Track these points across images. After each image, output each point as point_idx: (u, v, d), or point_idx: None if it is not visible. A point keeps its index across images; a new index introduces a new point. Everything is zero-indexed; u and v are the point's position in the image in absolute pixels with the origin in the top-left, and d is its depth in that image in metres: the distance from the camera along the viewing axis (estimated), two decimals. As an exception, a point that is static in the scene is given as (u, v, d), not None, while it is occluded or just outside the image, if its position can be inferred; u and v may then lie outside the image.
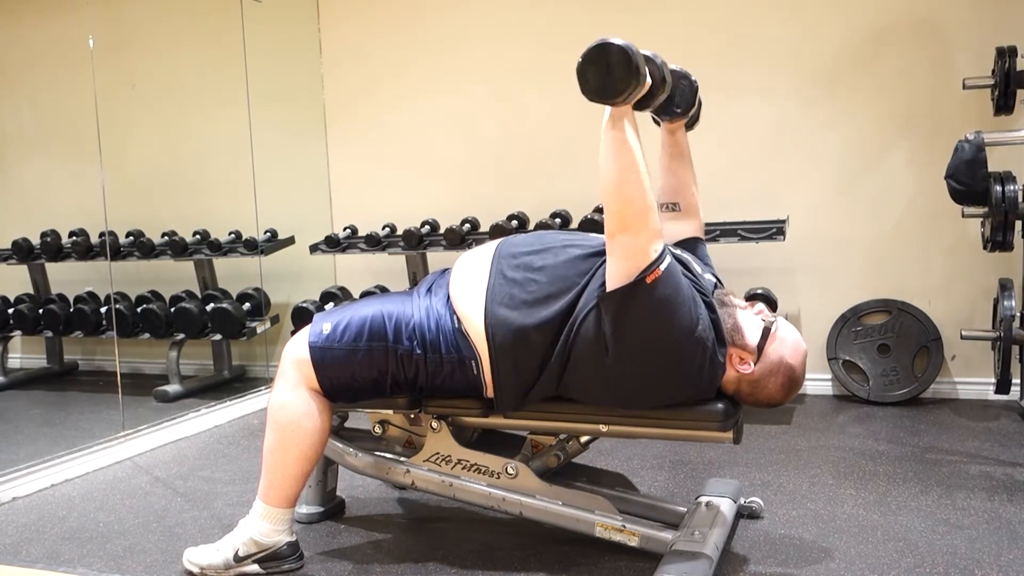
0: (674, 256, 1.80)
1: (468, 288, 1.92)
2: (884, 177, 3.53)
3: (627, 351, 1.75)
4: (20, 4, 4.57)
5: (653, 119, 2.11)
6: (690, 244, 2.08)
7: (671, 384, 1.80)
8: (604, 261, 1.80)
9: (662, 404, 1.83)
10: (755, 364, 1.82)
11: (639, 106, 1.72)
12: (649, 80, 1.65)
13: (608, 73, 1.60)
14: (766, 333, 1.84)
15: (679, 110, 2.05)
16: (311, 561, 2.04)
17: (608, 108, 1.68)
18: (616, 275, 1.73)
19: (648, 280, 1.69)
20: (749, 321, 1.86)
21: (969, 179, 2.80)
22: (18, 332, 4.49)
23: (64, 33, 4.32)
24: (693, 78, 2.04)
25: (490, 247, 1.99)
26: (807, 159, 3.62)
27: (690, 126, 2.15)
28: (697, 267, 1.93)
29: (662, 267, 1.70)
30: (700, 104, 2.10)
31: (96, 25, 3.62)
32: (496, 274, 1.90)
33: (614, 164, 1.69)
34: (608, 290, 1.74)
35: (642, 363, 1.77)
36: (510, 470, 2.03)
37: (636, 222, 1.69)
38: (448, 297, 1.95)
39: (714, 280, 1.97)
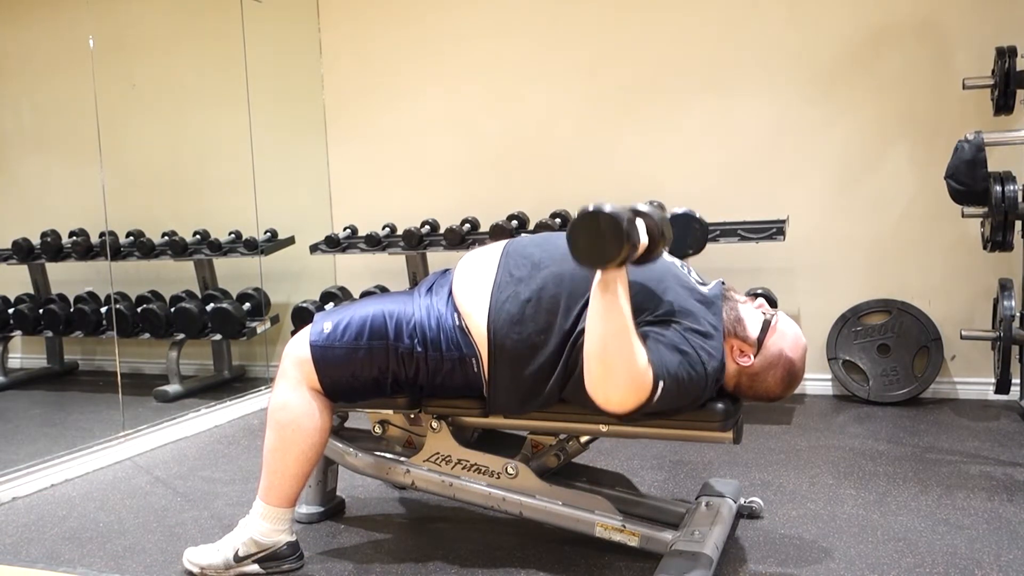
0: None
1: (473, 285, 1.92)
2: (884, 177, 3.54)
3: None
4: (20, 4, 4.57)
5: None
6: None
7: (676, 406, 1.80)
8: None
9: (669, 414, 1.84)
10: (755, 357, 1.83)
11: (640, 261, 1.69)
12: (645, 239, 1.62)
13: (598, 240, 1.57)
14: (766, 326, 1.84)
15: (692, 251, 2.11)
16: (311, 561, 2.04)
17: (598, 272, 1.64)
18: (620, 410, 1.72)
19: (655, 401, 1.68)
20: (750, 314, 1.87)
21: (969, 179, 2.81)
22: (18, 332, 4.49)
23: (64, 33, 4.33)
24: (699, 215, 2.09)
25: (498, 246, 1.99)
26: (807, 159, 3.62)
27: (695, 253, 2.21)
28: (693, 275, 1.93)
29: (656, 398, 1.67)
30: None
31: (96, 25, 3.63)
32: (503, 272, 1.90)
33: (600, 329, 1.64)
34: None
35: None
36: (510, 470, 2.03)
37: (617, 392, 1.66)
38: (450, 295, 1.94)
39: (719, 288, 1.95)
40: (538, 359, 1.83)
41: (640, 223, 1.61)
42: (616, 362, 1.64)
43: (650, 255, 1.66)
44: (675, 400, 1.72)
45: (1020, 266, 3.21)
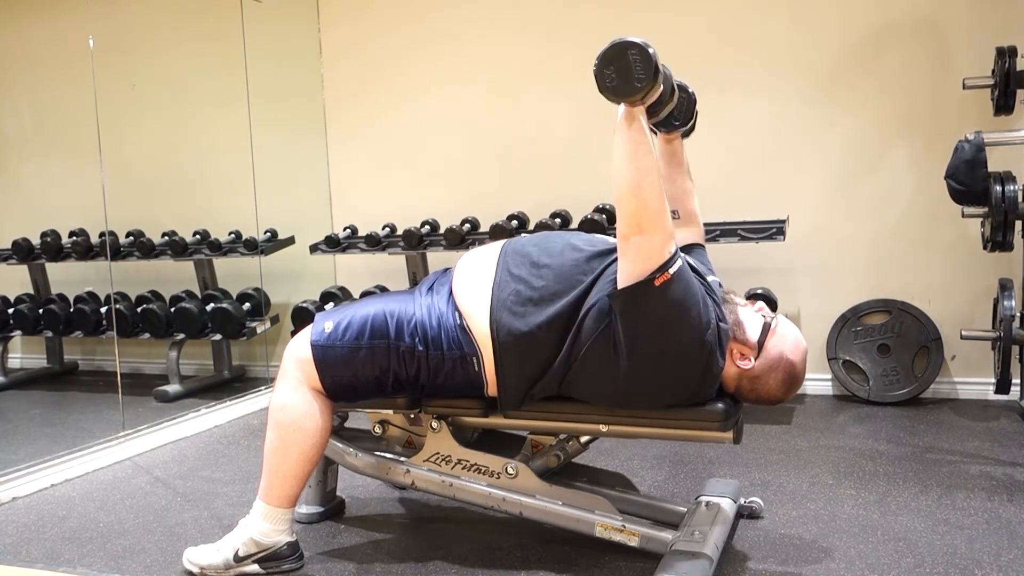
0: (684, 260, 1.79)
1: (473, 284, 1.92)
2: (884, 177, 3.54)
3: (636, 349, 1.75)
4: (20, 4, 4.57)
5: (651, 129, 2.12)
6: (692, 250, 2.08)
7: (675, 385, 1.80)
8: (612, 261, 1.80)
9: (665, 405, 1.84)
10: (755, 360, 1.83)
11: (649, 113, 1.73)
12: (662, 86, 1.66)
13: (627, 71, 1.61)
14: (766, 329, 1.84)
15: (678, 123, 2.08)
16: (311, 561, 2.04)
17: (622, 108, 1.68)
18: (628, 276, 1.72)
19: (657, 283, 1.68)
20: (750, 317, 1.87)
21: (969, 179, 2.80)
22: (18, 332, 4.49)
23: (64, 33, 4.32)
24: (691, 90, 2.08)
25: (496, 246, 1.99)
26: (807, 159, 3.62)
27: (686, 134, 2.17)
28: (703, 270, 1.93)
29: (672, 269, 1.69)
30: (696, 115, 2.12)
31: (96, 25, 3.62)
32: (502, 271, 1.90)
33: (631, 165, 1.67)
34: (619, 288, 1.74)
35: (650, 362, 1.76)
36: (510, 470, 2.03)
37: (651, 224, 1.68)
38: (450, 294, 1.95)
39: (718, 282, 1.97)
40: (542, 353, 1.83)
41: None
42: (651, 194, 1.66)
43: (660, 107, 1.72)
44: (681, 301, 1.70)
45: (1020, 266, 3.21)
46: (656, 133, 2.13)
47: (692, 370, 1.77)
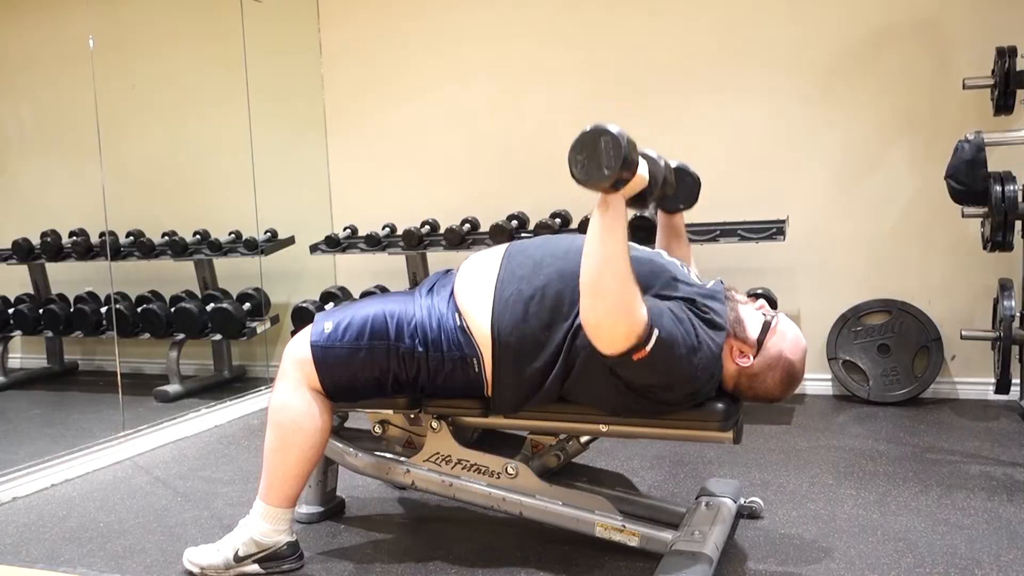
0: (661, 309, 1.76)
1: (475, 286, 1.92)
2: (884, 177, 3.53)
3: (636, 386, 1.77)
4: (20, 4, 4.57)
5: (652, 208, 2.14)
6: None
7: (676, 396, 1.80)
8: None
9: (667, 412, 1.84)
10: (754, 358, 1.83)
11: (636, 202, 1.72)
12: (647, 177, 1.67)
13: (598, 156, 1.58)
14: (766, 327, 1.84)
15: (682, 207, 2.11)
16: (311, 561, 2.04)
17: (600, 195, 1.66)
18: (603, 352, 1.70)
19: (636, 359, 1.67)
20: (750, 315, 1.87)
21: (969, 179, 2.80)
22: (18, 332, 4.49)
23: (64, 33, 4.32)
24: (694, 171, 2.09)
25: (499, 248, 1.99)
26: (807, 159, 3.62)
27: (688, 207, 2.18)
28: (694, 274, 1.95)
29: (649, 346, 1.66)
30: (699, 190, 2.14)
31: (96, 25, 3.62)
32: (506, 271, 1.90)
33: (597, 252, 1.65)
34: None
35: (648, 387, 1.78)
36: (510, 470, 2.03)
37: (608, 317, 1.65)
38: (451, 296, 1.95)
39: (720, 279, 1.96)
40: (542, 356, 1.83)
41: (642, 162, 1.65)
42: (610, 286, 1.63)
43: (648, 196, 1.70)
44: (667, 363, 1.70)
45: (1020, 266, 3.21)
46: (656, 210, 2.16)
47: (692, 387, 1.79)
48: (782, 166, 3.65)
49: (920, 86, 3.46)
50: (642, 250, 1.94)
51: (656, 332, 1.67)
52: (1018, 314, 2.98)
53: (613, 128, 1.58)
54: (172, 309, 4.06)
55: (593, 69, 3.85)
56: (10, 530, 2.35)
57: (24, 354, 4.83)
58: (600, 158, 1.58)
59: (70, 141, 4.55)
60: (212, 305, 4.03)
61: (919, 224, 3.50)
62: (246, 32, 4.02)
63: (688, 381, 1.76)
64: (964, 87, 3.08)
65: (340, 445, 2.22)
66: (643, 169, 1.68)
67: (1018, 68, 2.97)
